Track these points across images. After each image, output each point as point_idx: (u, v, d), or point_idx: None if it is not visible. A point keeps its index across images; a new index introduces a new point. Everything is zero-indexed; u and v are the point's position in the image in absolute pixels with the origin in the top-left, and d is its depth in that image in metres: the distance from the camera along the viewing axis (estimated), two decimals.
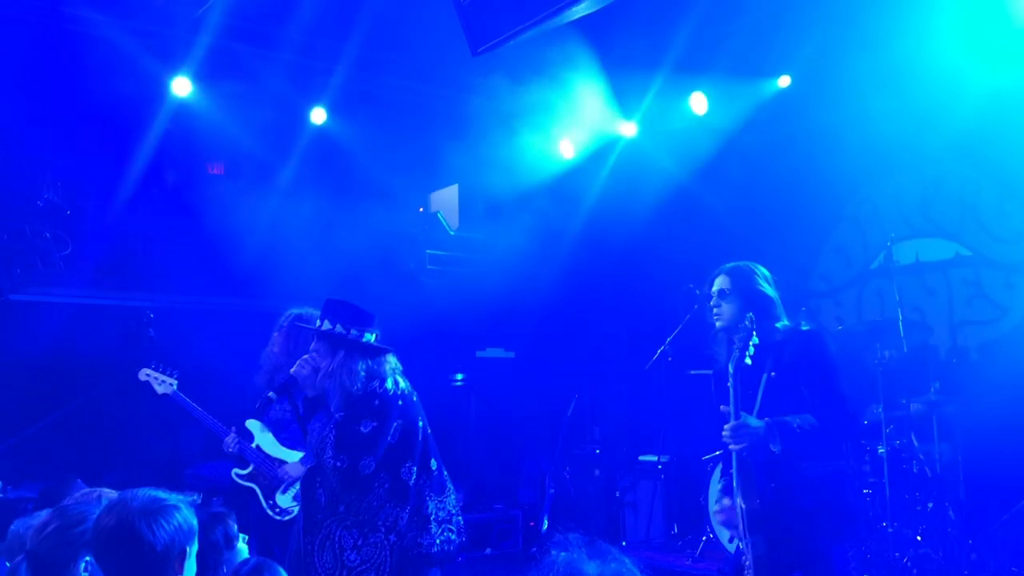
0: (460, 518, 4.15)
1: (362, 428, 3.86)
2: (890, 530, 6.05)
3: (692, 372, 7.41)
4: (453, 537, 4.03)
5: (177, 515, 2.44)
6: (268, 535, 5.08)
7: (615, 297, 9.38)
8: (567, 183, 9.03)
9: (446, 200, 9.63)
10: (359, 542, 3.86)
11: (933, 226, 7.60)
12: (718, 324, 3.87)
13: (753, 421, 3.57)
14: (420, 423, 4.05)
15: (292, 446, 5.14)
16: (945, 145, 7.31)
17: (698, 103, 8.04)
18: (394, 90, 8.52)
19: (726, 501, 3.82)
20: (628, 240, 9.00)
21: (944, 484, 6.36)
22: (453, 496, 4.15)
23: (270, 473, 5.09)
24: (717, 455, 6.24)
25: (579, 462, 8.43)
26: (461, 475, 8.62)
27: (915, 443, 6.43)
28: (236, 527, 3.33)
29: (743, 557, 3.71)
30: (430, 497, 4.00)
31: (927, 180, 7.64)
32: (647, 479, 8.00)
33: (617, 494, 8.01)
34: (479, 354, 9.10)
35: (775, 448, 3.55)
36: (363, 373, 3.90)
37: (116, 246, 7.68)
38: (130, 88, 7.13)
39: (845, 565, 3.74)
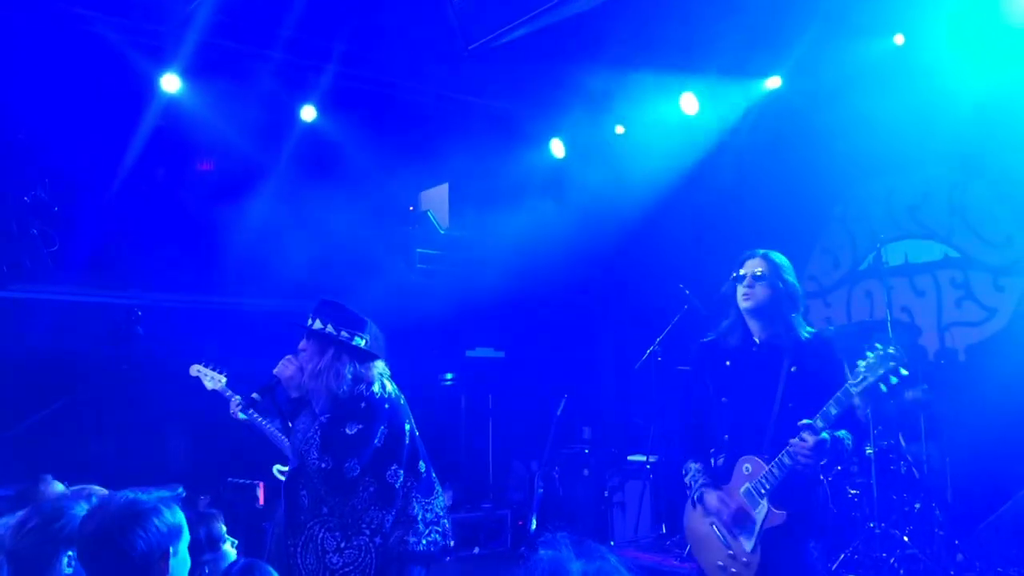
0: (447, 521, 4.13)
1: (347, 430, 3.84)
2: (877, 530, 6.07)
3: (680, 368, 7.40)
4: (439, 539, 4.01)
5: (155, 519, 2.41)
6: None
7: (605, 297, 9.40)
8: (557, 182, 9.03)
9: (436, 199, 9.62)
10: (342, 544, 3.85)
11: (922, 228, 7.63)
12: (745, 305, 3.80)
13: (828, 438, 3.48)
14: (407, 427, 4.03)
15: None
16: (935, 148, 7.34)
17: (688, 103, 8.05)
18: (384, 88, 8.50)
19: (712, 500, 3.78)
20: (618, 240, 9.01)
21: (931, 485, 6.39)
22: (441, 498, 4.14)
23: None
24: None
25: (568, 462, 8.43)
26: (450, 474, 8.64)
27: (903, 444, 6.46)
28: (224, 529, 3.31)
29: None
30: (417, 499, 3.99)
31: (916, 182, 7.67)
32: (636, 479, 8.01)
33: (606, 494, 8.02)
34: (469, 353, 9.10)
35: (823, 462, 3.55)
36: (350, 376, 3.87)
37: (105, 243, 7.64)
38: (120, 84, 7.10)
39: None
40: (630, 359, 7.80)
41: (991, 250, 7.22)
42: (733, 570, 3.70)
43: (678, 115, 8.17)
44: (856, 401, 3.48)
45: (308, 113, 8.33)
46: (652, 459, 7.90)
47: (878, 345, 3.44)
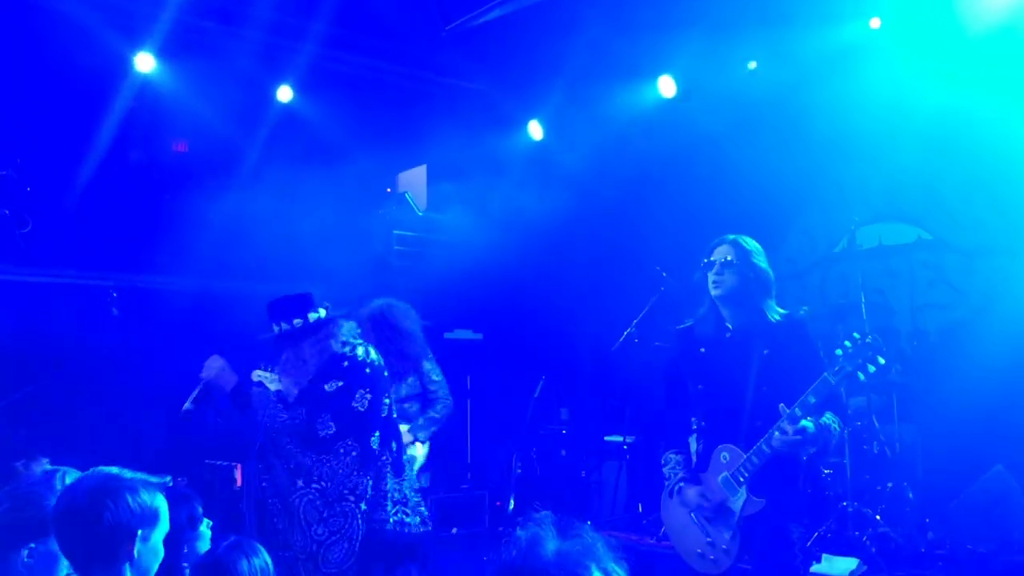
0: (423, 507, 4.14)
1: (326, 386, 3.86)
2: (850, 509, 6.16)
3: (658, 344, 7.43)
4: (408, 520, 4.02)
5: (128, 495, 2.39)
6: None
7: (582, 279, 9.41)
8: (536, 164, 9.02)
9: (414, 181, 9.59)
10: (325, 514, 3.84)
11: (896, 211, 7.70)
12: (715, 292, 3.82)
13: (810, 426, 3.50)
14: (386, 400, 4.04)
15: (398, 421, 5.34)
16: (909, 132, 7.39)
17: (666, 86, 8.05)
18: (362, 69, 8.43)
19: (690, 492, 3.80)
20: (596, 222, 9.03)
21: (903, 465, 6.48)
22: (408, 481, 4.14)
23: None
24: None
25: (545, 442, 8.48)
26: (428, 455, 8.65)
27: (876, 424, 6.54)
28: (201, 510, 3.32)
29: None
30: (390, 475, 4.00)
31: (892, 165, 7.72)
32: (612, 459, 8.06)
33: (583, 474, 8.08)
34: (447, 335, 9.10)
35: (812, 450, 3.58)
36: (334, 346, 3.91)
37: (79, 224, 7.57)
38: (92, 63, 7.00)
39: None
40: (607, 341, 7.83)
41: (964, 233, 7.30)
42: (712, 557, 3.73)
43: (656, 97, 8.17)
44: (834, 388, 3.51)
45: (285, 94, 8.25)
46: (629, 440, 7.96)
47: (856, 334, 3.47)
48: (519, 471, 8.22)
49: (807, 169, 8.09)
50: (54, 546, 2.51)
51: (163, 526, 2.49)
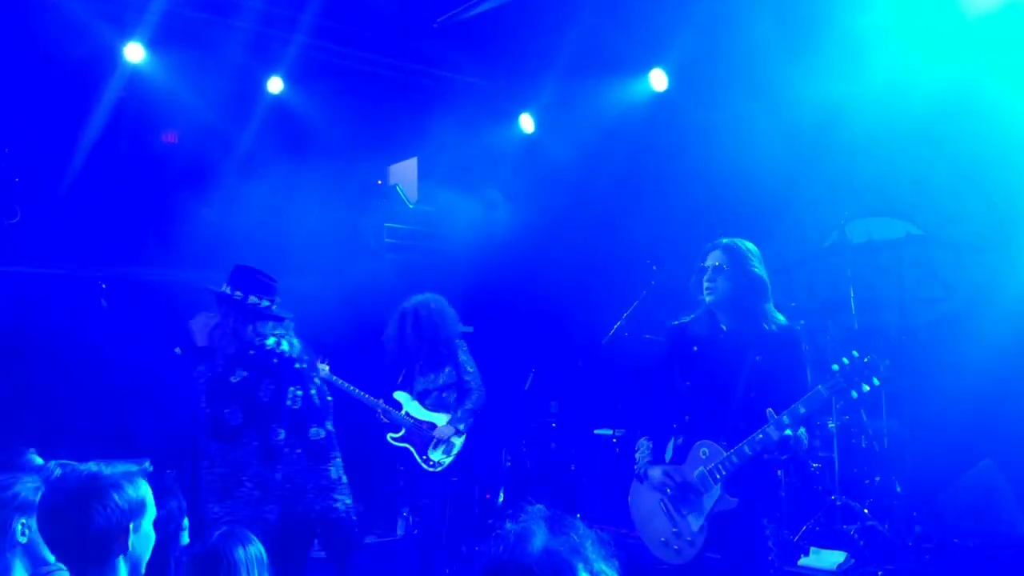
0: (343, 493, 4.27)
1: (232, 378, 4.03)
2: (838, 503, 6.18)
3: (648, 336, 7.43)
4: (336, 504, 4.10)
5: (115, 494, 2.38)
6: (418, 487, 6.39)
7: (573, 272, 9.40)
8: (527, 157, 9.01)
9: (405, 173, 9.56)
10: (222, 496, 3.90)
11: (885, 205, 7.71)
12: (708, 299, 3.83)
13: (792, 435, 3.54)
14: (298, 391, 4.16)
15: (437, 410, 6.24)
16: (899, 126, 7.40)
17: (658, 80, 8.04)
18: (353, 60, 8.40)
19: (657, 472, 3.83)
20: (587, 215, 9.02)
21: (891, 459, 6.51)
22: (335, 467, 4.20)
23: (421, 434, 6.18)
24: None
25: (535, 436, 8.48)
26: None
27: (864, 418, 6.57)
28: (183, 503, 3.33)
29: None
30: (304, 461, 4.12)
31: (881, 160, 7.74)
32: (602, 452, 8.08)
33: (573, 467, 8.08)
34: None
35: (784, 457, 3.60)
36: (249, 335, 4.12)
37: (68, 215, 7.53)
38: (81, 53, 6.95)
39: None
40: (597, 334, 7.84)
41: (952, 228, 7.31)
42: (676, 547, 3.77)
43: (647, 91, 8.17)
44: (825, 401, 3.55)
45: (275, 85, 8.21)
46: (619, 433, 7.97)
47: (855, 352, 3.49)
48: (509, 464, 8.22)
49: (796, 164, 8.10)
50: None
51: (151, 511, 2.49)
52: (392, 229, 9.09)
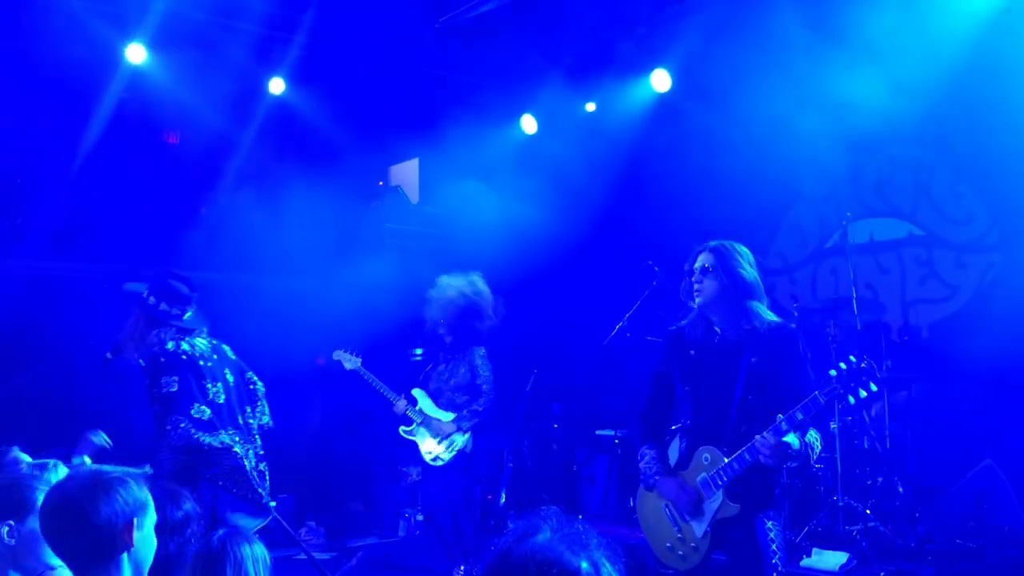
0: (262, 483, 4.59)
1: (149, 381, 4.41)
2: (840, 504, 6.18)
3: (649, 337, 7.42)
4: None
5: (121, 490, 2.41)
6: (427, 478, 6.64)
7: (575, 273, 9.41)
8: (529, 158, 9.01)
9: (406, 174, 9.57)
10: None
11: (887, 206, 7.72)
12: (697, 301, 3.82)
13: (795, 441, 3.53)
14: (210, 385, 4.47)
15: (446, 408, 6.46)
16: (900, 127, 7.41)
17: (659, 80, 8.03)
18: (354, 61, 8.40)
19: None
20: (588, 216, 9.02)
21: (893, 459, 6.50)
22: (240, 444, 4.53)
23: (429, 429, 6.43)
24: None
25: (537, 436, 8.48)
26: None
27: (866, 419, 6.56)
28: (193, 506, 3.32)
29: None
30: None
31: (882, 161, 7.75)
32: (604, 453, 8.07)
33: (574, 468, 8.08)
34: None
35: (792, 464, 3.59)
36: (152, 338, 4.42)
37: (70, 215, 7.53)
38: (83, 54, 6.95)
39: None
40: (599, 335, 7.83)
41: (954, 228, 7.32)
42: (680, 552, 3.78)
43: (649, 92, 8.17)
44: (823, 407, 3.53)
45: (277, 86, 8.22)
46: (620, 434, 7.97)
47: (852, 357, 3.47)
48: (511, 465, 8.21)
49: (798, 164, 8.10)
50: (36, 525, 2.51)
51: (152, 515, 2.51)
52: (393, 230, 9.09)
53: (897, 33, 6.81)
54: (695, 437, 3.83)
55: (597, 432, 8.28)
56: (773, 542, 3.69)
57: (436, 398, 6.55)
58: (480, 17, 7.34)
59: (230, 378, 4.58)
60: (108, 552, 2.37)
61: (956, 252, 7.31)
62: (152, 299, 4.41)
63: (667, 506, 3.83)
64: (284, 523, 6.05)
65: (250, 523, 4.48)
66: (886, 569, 5.77)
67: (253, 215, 7.76)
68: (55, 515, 2.38)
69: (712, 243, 3.87)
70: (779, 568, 3.69)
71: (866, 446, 6.51)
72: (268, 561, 2.72)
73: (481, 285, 6.57)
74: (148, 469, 2.58)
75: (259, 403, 4.79)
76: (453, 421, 6.41)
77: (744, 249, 3.87)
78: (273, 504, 7.08)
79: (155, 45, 7.43)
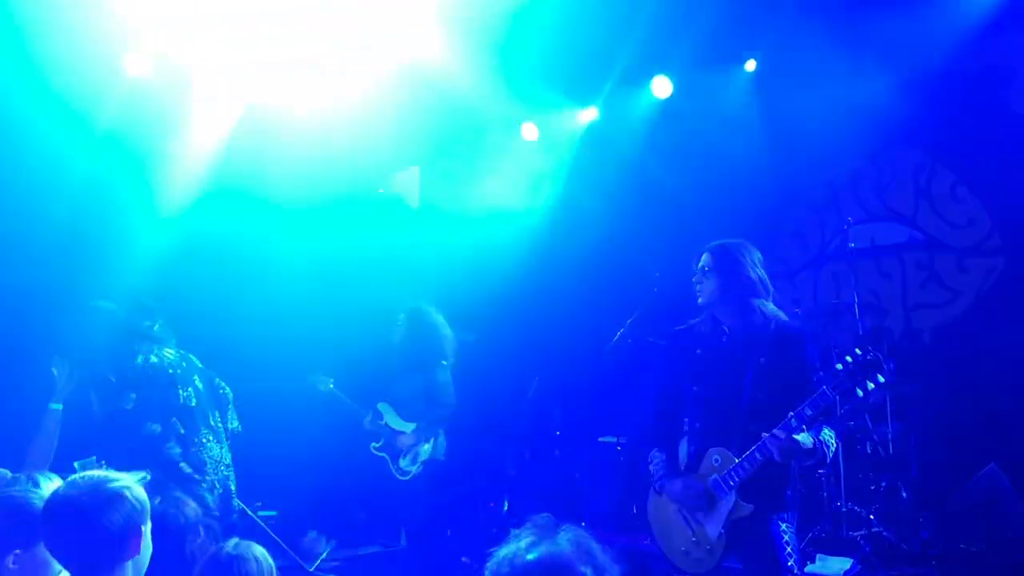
0: (224, 481, 4.64)
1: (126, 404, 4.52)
2: (844, 509, 6.17)
3: (651, 339, 7.41)
4: (200, 491, 4.45)
5: (129, 497, 2.41)
6: (394, 497, 6.49)
7: (576, 278, 9.40)
8: (530, 166, 9.01)
9: (407, 181, 9.57)
10: None
11: (888, 211, 7.71)
12: (700, 301, 3.87)
13: (805, 440, 3.52)
14: (182, 391, 4.56)
15: (408, 420, 6.41)
16: (899, 132, 7.42)
17: (661, 87, 8.03)
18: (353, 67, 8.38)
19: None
20: (590, 222, 9.01)
21: (897, 464, 6.49)
22: (209, 463, 4.60)
23: (395, 444, 6.37)
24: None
25: (539, 443, 8.46)
26: (435, 452, 8.62)
27: (869, 424, 6.55)
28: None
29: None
30: (183, 462, 4.50)
31: (882, 166, 7.75)
32: (606, 460, 8.05)
33: (577, 475, 8.06)
34: None
35: (808, 463, 3.57)
36: (122, 351, 4.53)
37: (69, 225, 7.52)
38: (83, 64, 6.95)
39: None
40: (602, 341, 7.82)
41: (956, 232, 7.31)
42: (695, 556, 3.76)
43: (650, 99, 8.18)
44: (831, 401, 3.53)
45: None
46: (623, 440, 7.95)
47: (858, 350, 3.47)
48: (513, 472, 8.20)
49: (799, 169, 8.10)
50: (41, 552, 2.50)
51: (149, 518, 2.51)
52: (394, 237, 9.08)
53: (900, 35, 6.82)
54: (704, 438, 3.82)
55: (600, 439, 8.27)
56: (788, 544, 3.67)
57: (399, 409, 6.51)
58: (482, 23, 7.34)
59: (199, 384, 4.65)
60: (115, 559, 2.37)
61: (957, 256, 7.30)
62: (122, 314, 4.53)
63: (679, 510, 3.82)
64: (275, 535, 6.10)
65: None
66: (890, 574, 5.76)
67: (254, 227, 7.76)
68: (63, 524, 2.37)
69: (714, 243, 3.90)
70: (795, 570, 3.68)
71: (869, 451, 6.50)
72: (275, 571, 2.72)
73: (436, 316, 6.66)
74: (147, 475, 2.58)
75: (228, 408, 4.86)
76: (413, 432, 6.38)
77: (748, 248, 3.88)
78: (274, 514, 7.11)
79: (155, 56, 7.41)
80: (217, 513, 4.54)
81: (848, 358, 3.47)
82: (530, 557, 1.70)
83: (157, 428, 4.45)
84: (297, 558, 6.30)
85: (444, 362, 6.50)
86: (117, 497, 2.38)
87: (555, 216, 8.77)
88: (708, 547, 3.71)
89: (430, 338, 6.50)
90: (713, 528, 3.70)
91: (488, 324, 9.09)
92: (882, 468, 6.44)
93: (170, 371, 4.58)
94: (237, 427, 4.92)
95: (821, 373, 3.60)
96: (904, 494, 6.30)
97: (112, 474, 2.47)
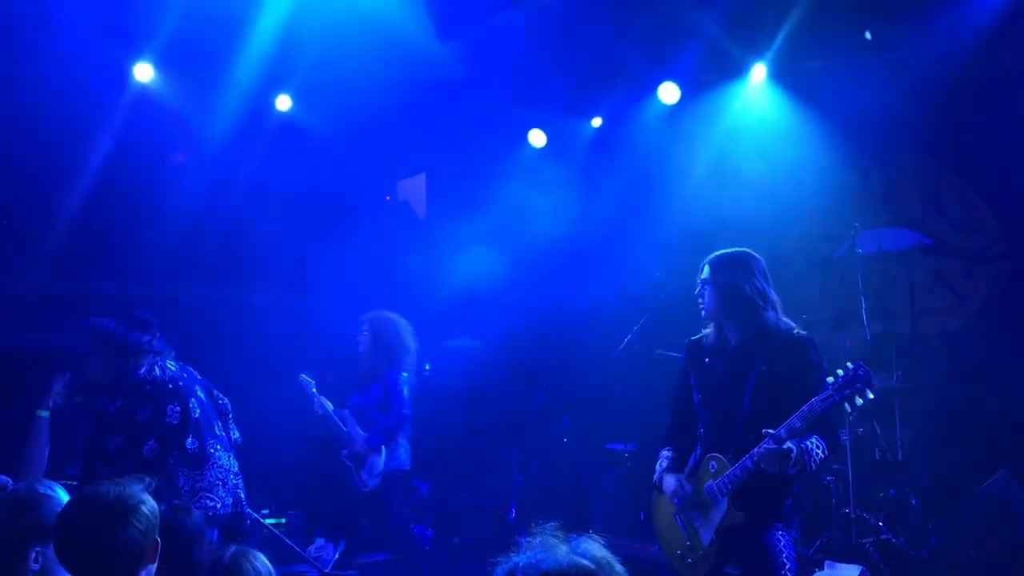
0: (239, 489, 4.51)
1: (112, 408, 4.32)
2: (852, 516, 6.14)
3: (658, 351, 7.39)
4: (214, 503, 4.34)
5: (144, 507, 2.41)
6: (357, 509, 6.49)
7: (583, 286, 9.40)
8: (536, 172, 9.01)
9: (414, 188, 9.59)
10: None
11: (896, 216, 7.69)
12: (702, 313, 3.90)
13: (792, 447, 3.49)
14: (177, 407, 4.41)
15: (365, 428, 6.31)
16: (908, 137, 7.40)
17: (667, 93, 8.03)
18: (361, 77, 8.41)
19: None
20: (596, 228, 9.01)
21: (906, 470, 6.46)
22: (214, 471, 4.43)
23: (354, 453, 6.32)
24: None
25: (547, 451, 8.45)
26: (428, 464, 8.63)
27: (877, 430, 6.52)
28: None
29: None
30: (181, 473, 4.33)
31: (890, 170, 7.73)
32: (614, 467, 8.03)
33: (584, 482, 8.04)
34: (447, 343, 9.08)
35: (792, 471, 3.55)
36: (122, 367, 4.39)
37: (79, 234, 7.56)
38: (91, 73, 6.99)
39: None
40: (608, 348, 7.82)
41: (963, 237, 7.29)
42: (690, 560, 3.80)
43: (657, 105, 8.18)
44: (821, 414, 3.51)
45: (283, 103, 8.23)
46: (630, 447, 7.93)
47: (849, 364, 3.46)
48: (520, 480, 8.19)
49: (806, 174, 8.09)
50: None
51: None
52: (401, 244, 9.10)
53: (908, 40, 6.82)
54: (706, 445, 3.86)
55: (607, 446, 8.25)
56: (783, 553, 3.66)
57: (358, 418, 6.43)
58: (486, 31, 7.36)
59: (201, 395, 4.64)
60: (131, 571, 2.36)
61: (965, 261, 7.28)
62: (121, 330, 4.45)
63: (678, 514, 3.86)
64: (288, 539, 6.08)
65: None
66: None
67: (260, 232, 7.78)
68: (79, 539, 2.35)
69: (715, 254, 3.91)
70: None
71: (878, 458, 6.48)
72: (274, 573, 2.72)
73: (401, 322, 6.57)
74: (151, 481, 2.57)
75: (228, 419, 4.85)
76: (364, 441, 6.28)
77: (748, 257, 3.86)
78: (283, 521, 7.12)
79: (162, 64, 7.46)
80: (231, 523, 4.52)
81: (839, 371, 3.47)
82: (545, 562, 1.69)
83: (160, 444, 4.40)
84: (312, 563, 6.27)
85: (404, 373, 6.43)
86: (134, 510, 2.37)
87: (562, 222, 8.76)
88: (702, 552, 3.75)
89: (390, 348, 6.43)
90: (706, 534, 3.74)
91: (495, 331, 9.10)
92: (891, 475, 6.42)
93: (170, 387, 4.53)
94: (238, 437, 4.90)
95: (829, 379, 3.59)
96: (913, 501, 6.27)
97: (122, 484, 2.46)
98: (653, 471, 4.05)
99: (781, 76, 7.74)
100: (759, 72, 7.78)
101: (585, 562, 1.68)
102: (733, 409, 3.75)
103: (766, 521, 3.68)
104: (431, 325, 8.90)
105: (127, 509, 2.37)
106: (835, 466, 6.34)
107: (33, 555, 2.61)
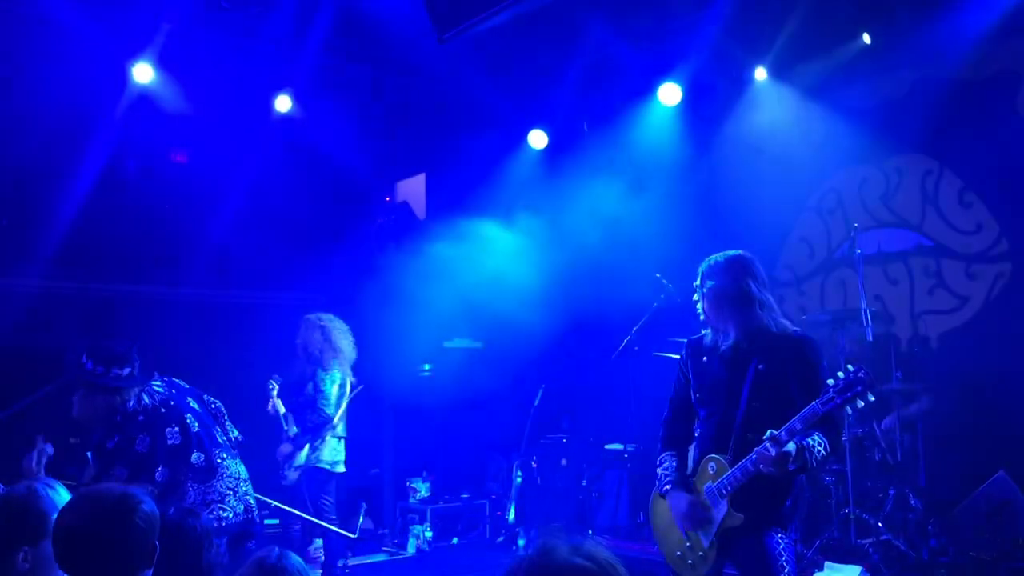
0: (248, 496, 4.49)
1: (109, 444, 4.27)
2: (852, 517, 6.14)
3: (656, 354, 7.39)
4: (224, 513, 4.31)
5: (146, 510, 2.42)
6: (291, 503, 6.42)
7: (583, 286, 9.40)
8: (536, 172, 9.02)
9: (413, 189, 9.58)
10: None
11: (895, 217, 7.69)
12: (700, 317, 3.89)
13: (789, 447, 3.47)
14: (176, 428, 4.37)
15: (298, 425, 6.62)
16: (906, 138, 7.40)
17: (668, 94, 8.03)
18: (360, 77, 8.42)
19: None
20: (597, 229, 9.01)
21: (905, 471, 6.46)
22: (222, 480, 4.40)
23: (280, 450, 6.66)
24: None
25: (546, 451, 8.45)
26: (428, 465, 8.64)
27: (877, 430, 6.53)
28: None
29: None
30: (192, 487, 4.30)
31: (889, 172, 7.73)
32: (613, 468, 8.04)
33: (584, 483, 8.05)
34: (446, 344, 9.08)
35: (791, 468, 3.53)
36: (111, 404, 4.29)
37: (77, 234, 7.56)
38: (90, 73, 6.99)
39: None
40: (608, 349, 7.82)
41: (963, 239, 7.29)
42: (690, 561, 3.78)
43: (658, 106, 8.18)
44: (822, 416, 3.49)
45: (283, 103, 8.23)
46: (630, 448, 7.94)
47: (850, 367, 3.44)
48: (520, 481, 8.19)
49: (806, 176, 8.09)
50: (48, 548, 2.50)
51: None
52: (400, 245, 9.10)
53: (909, 41, 6.82)
54: (703, 445, 3.84)
55: (606, 446, 8.25)
56: (782, 555, 3.65)
57: (294, 415, 6.71)
58: (487, 32, 7.35)
59: (194, 405, 4.60)
60: (131, 571, 2.36)
61: (965, 262, 7.27)
62: (99, 370, 4.31)
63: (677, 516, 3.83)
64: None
65: None
66: None
67: (261, 233, 7.78)
68: (81, 543, 2.35)
69: (713, 256, 3.90)
70: None
71: (877, 458, 6.47)
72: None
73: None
74: (152, 487, 2.58)
75: (224, 420, 4.83)
76: (291, 439, 6.61)
77: (745, 260, 3.85)
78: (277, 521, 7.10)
79: (161, 64, 7.46)
80: (241, 529, 4.49)
81: (840, 374, 3.45)
82: (547, 563, 1.69)
83: (170, 468, 4.34)
84: (338, 529, 6.28)
85: (335, 373, 6.59)
86: (135, 513, 2.37)
87: (561, 222, 8.76)
88: (701, 554, 3.73)
89: (320, 350, 6.61)
90: (705, 536, 3.72)
91: (494, 332, 9.10)
92: (891, 475, 6.41)
93: (162, 411, 4.44)
94: (238, 436, 4.88)
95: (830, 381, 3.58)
96: (913, 501, 6.27)
97: (122, 488, 2.46)
98: (653, 471, 4.03)
99: (778, 76, 7.75)
100: (760, 74, 7.79)
101: (585, 563, 1.68)
102: (731, 409, 3.74)
103: (765, 523, 3.67)
104: (430, 326, 8.91)
105: (127, 509, 2.37)
106: (835, 466, 6.34)
107: (21, 555, 2.61)
